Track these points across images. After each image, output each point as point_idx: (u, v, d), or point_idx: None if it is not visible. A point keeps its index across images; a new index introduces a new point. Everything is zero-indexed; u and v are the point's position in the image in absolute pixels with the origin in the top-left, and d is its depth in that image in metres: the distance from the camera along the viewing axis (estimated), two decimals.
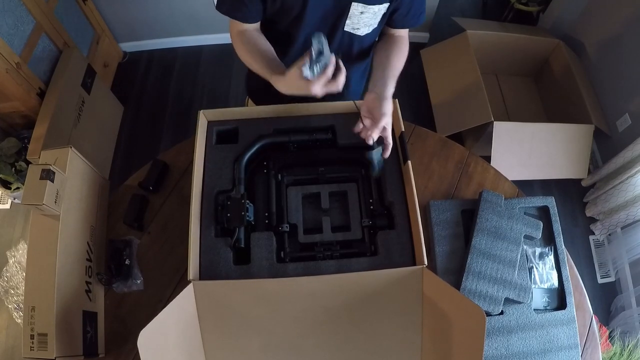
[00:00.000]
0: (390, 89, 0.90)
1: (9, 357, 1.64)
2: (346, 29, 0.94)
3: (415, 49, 2.38)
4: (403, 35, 1.02)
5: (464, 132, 2.04)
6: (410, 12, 0.95)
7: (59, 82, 1.72)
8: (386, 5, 0.90)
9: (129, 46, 2.39)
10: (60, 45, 1.81)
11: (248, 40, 0.94)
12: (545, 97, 2.31)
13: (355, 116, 1.04)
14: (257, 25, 0.96)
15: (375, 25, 0.96)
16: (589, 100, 1.99)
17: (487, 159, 1.74)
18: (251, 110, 1.02)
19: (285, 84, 0.83)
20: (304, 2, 0.86)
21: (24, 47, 1.61)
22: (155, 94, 2.29)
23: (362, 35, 0.97)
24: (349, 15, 0.90)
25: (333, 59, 0.78)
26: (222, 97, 2.29)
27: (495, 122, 1.78)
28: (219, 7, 0.91)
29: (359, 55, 1.08)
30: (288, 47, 1.01)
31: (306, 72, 0.77)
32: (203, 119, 1.00)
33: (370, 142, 0.87)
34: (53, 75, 1.75)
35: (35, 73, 1.66)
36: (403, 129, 0.98)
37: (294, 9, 0.89)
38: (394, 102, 1.03)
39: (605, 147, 2.10)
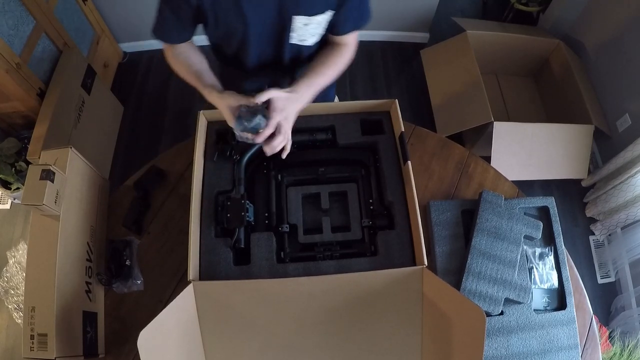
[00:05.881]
0: (310, 91, 0.90)
1: (9, 357, 1.64)
2: (292, 41, 0.92)
3: (415, 49, 2.38)
4: (347, 42, 0.98)
5: (464, 132, 2.04)
6: (350, 17, 0.91)
7: (59, 82, 1.72)
8: (330, 13, 0.87)
9: (129, 46, 2.39)
10: (60, 46, 1.81)
11: (179, 53, 0.93)
12: (545, 97, 2.31)
13: (355, 117, 1.04)
14: (188, 42, 0.96)
15: (322, 33, 0.94)
16: (589, 100, 1.99)
17: (487, 159, 1.74)
18: None
19: (218, 106, 0.85)
20: (243, 23, 0.85)
21: (24, 47, 1.61)
22: (155, 94, 2.29)
23: (310, 45, 0.96)
24: (292, 29, 0.88)
25: (268, 130, 0.81)
26: None
27: (495, 122, 1.78)
28: (153, 32, 0.91)
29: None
30: (242, 69, 1.01)
31: (237, 125, 0.81)
32: (203, 119, 1.00)
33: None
34: (53, 76, 1.75)
35: (35, 73, 1.66)
36: (403, 129, 0.98)
37: (238, 31, 0.88)
38: (393, 103, 1.03)
39: (605, 147, 2.10)
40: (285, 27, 0.88)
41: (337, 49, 0.97)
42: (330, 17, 0.89)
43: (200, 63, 0.93)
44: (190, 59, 0.93)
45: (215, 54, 1.08)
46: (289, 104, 0.84)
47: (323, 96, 1.11)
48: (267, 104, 0.82)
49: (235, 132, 0.83)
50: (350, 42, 0.98)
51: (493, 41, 2.14)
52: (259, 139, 0.82)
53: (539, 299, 0.97)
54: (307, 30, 0.89)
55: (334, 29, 0.94)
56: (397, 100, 1.03)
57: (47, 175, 0.83)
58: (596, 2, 2.10)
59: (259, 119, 0.80)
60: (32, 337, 0.78)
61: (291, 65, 1.02)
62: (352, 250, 0.91)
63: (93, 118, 1.90)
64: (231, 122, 0.83)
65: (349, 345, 0.86)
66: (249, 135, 0.82)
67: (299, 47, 0.95)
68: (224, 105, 0.83)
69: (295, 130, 1.01)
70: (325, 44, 0.99)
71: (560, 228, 1.04)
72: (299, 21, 0.86)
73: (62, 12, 1.85)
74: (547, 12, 2.32)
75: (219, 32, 0.90)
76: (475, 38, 2.07)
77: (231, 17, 0.84)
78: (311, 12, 0.85)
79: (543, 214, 1.07)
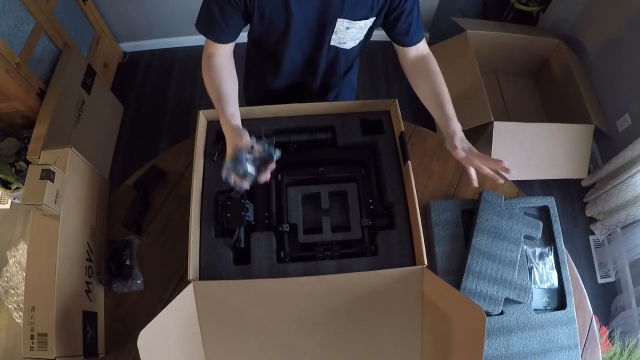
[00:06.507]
0: (456, 122, 0.94)
1: (9, 357, 1.64)
2: (332, 43, 0.94)
3: None
4: (424, 52, 1.00)
5: (464, 132, 2.03)
6: (416, 25, 0.93)
7: (59, 82, 1.71)
8: (372, 19, 0.89)
9: (129, 46, 2.39)
10: (60, 45, 1.81)
11: (215, 68, 0.90)
12: (545, 97, 2.31)
13: (355, 117, 1.04)
14: (229, 48, 0.92)
15: (362, 38, 0.96)
16: (589, 100, 1.99)
17: None
18: (251, 110, 1.02)
19: (227, 137, 0.85)
20: (287, 20, 0.86)
21: (24, 47, 1.61)
22: (155, 94, 2.29)
23: (348, 48, 0.97)
24: (334, 31, 0.90)
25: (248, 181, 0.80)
26: None
27: (495, 122, 1.78)
28: (197, 26, 0.89)
29: (346, 67, 1.09)
30: (277, 66, 1.02)
31: (225, 172, 0.80)
32: (203, 119, 1.00)
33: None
34: (53, 75, 1.75)
35: (35, 73, 1.66)
36: (403, 129, 0.98)
37: (279, 27, 0.89)
38: (393, 103, 1.03)
39: (605, 147, 2.10)
40: (327, 28, 0.89)
41: (430, 70, 0.97)
42: (372, 24, 0.91)
43: (231, 87, 0.90)
44: (223, 77, 0.90)
45: (252, 49, 1.08)
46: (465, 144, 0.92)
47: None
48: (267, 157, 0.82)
49: (223, 171, 0.81)
50: (427, 51, 1.01)
51: (493, 41, 2.14)
52: (243, 184, 0.81)
53: (539, 298, 0.97)
54: (347, 33, 0.91)
55: (405, 41, 0.96)
56: (397, 100, 1.03)
57: (47, 175, 0.83)
58: (596, 2, 2.10)
59: (250, 169, 0.79)
60: (32, 337, 0.78)
61: (324, 68, 1.04)
62: (352, 250, 0.91)
63: (93, 118, 1.90)
64: (228, 159, 0.81)
65: (349, 345, 0.86)
66: (234, 178, 0.80)
67: (336, 50, 0.97)
68: (232, 142, 0.82)
69: (296, 130, 1.02)
70: (416, 74, 0.99)
71: (560, 228, 1.04)
72: (341, 24, 0.88)
73: (62, 12, 1.85)
74: (547, 12, 2.32)
75: (262, 27, 0.90)
76: (475, 38, 2.07)
77: (277, 14, 0.85)
78: (355, 16, 0.87)
79: (543, 213, 1.07)
